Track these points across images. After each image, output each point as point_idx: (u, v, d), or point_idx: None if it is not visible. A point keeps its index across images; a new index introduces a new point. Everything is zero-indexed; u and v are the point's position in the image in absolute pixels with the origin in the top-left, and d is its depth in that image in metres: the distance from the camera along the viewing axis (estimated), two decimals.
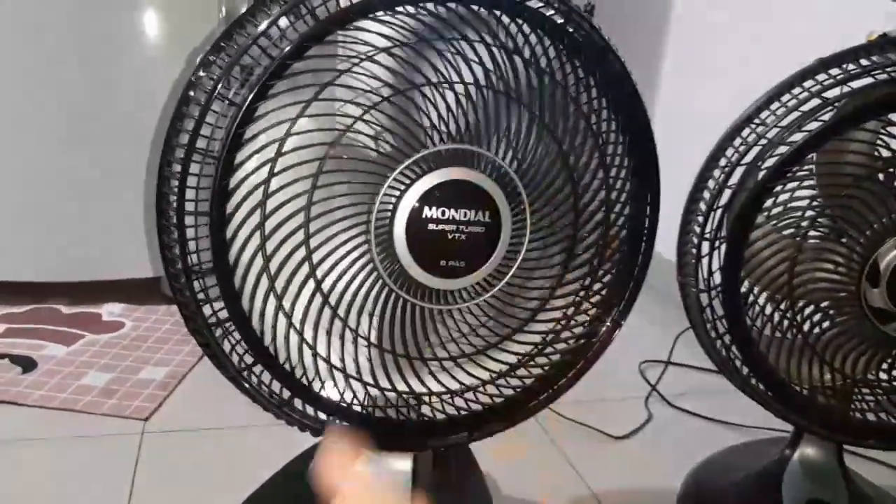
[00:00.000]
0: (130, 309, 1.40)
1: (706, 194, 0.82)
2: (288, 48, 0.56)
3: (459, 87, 0.58)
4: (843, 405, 0.83)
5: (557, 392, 0.76)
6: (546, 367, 0.72)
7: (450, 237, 0.61)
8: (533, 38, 0.60)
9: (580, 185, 0.63)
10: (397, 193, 0.59)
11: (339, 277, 0.61)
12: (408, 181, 0.59)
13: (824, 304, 0.78)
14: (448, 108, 0.58)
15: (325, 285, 0.61)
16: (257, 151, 0.58)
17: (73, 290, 1.43)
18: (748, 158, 0.77)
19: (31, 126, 1.30)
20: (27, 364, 1.17)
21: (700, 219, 0.81)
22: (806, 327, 0.78)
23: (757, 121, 0.79)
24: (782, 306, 0.77)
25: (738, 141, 0.80)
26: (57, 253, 1.37)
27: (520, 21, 0.59)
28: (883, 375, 0.81)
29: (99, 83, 1.31)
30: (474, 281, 0.63)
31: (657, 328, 1.50)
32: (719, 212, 0.79)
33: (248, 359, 0.67)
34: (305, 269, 0.61)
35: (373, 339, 0.64)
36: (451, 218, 0.61)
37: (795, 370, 0.79)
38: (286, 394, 0.69)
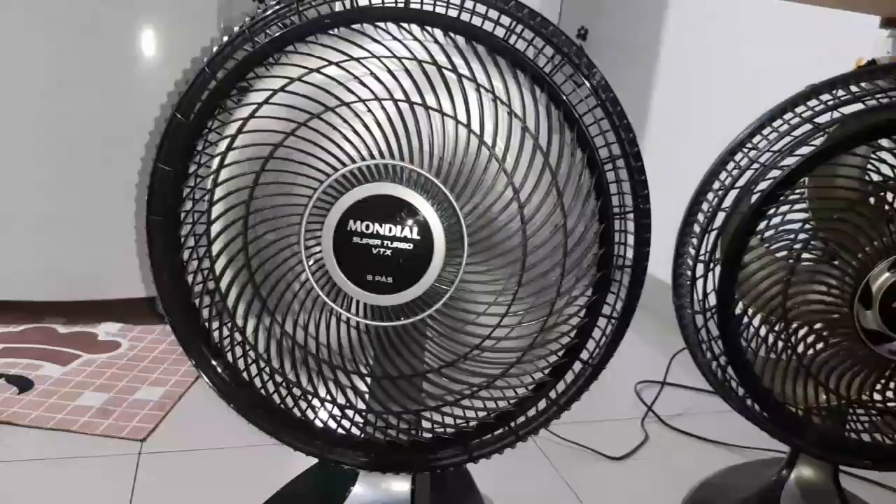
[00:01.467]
0: (126, 329, 1.40)
1: (700, 217, 0.84)
2: (229, 70, 0.62)
3: (388, 105, 0.59)
4: (839, 426, 0.84)
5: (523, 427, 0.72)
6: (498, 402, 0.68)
7: (374, 252, 0.61)
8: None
9: (526, 207, 0.60)
10: (326, 207, 0.61)
11: (276, 287, 0.64)
12: (336, 195, 0.61)
13: (818, 325, 0.79)
14: (378, 124, 0.59)
15: (271, 302, 0.64)
16: (213, 173, 0.64)
17: (69, 310, 1.43)
18: (741, 182, 0.78)
19: (27, 145, 1.31)
20: (23, 384, 1.17)
21: (694, 241, 0.83)
22: (800, 349, 0.79)
23: (749, 145, 0.80)
24: (776, 328, 0.78)
25: (731, 165, 0.82)
26: (53, 272, 1.37)
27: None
28: (877, 396, 0.81)
29: (95, 102, 1.31)
30: (408, 299, 0.62)
31: (653, 349, 1.51)
32: (713, 234, 0.80)
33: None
34: (249, 291, 0.65)
35: (324, 354, 0.66)
36: (374, 232, 0.61)
37: (791, 391, 0.80)
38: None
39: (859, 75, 0.76)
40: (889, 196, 0.73)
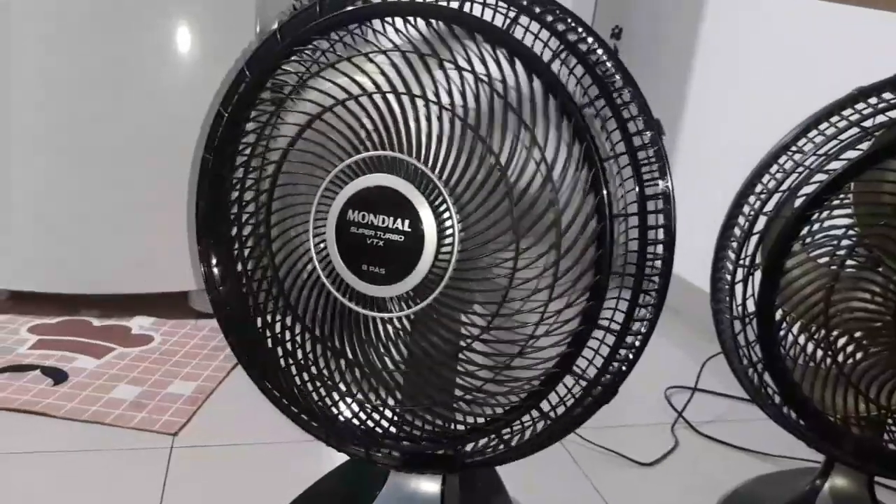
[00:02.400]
0: (159, 323, 1.42)
1: (741, 220, 0.83)
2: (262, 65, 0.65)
3: (389, 97, 0.59)
4: (877, 436, 0.82)
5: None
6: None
7: (369, 242, 0.62)
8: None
9: (519, 201, 0.58)
10: (332, 196, 0.62)
11: (290, 275, 0.67)
12: (341, 184, 0.62)
13: (858, 333, 0.78)
14: (381, 117, 0.60)
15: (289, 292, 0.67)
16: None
17: (103, 303, 1.45)
18: (785, 186, 0.77)
19: (67, 141, 1.33)
20: (58, 376, 1.19)
21: (735, 245, 0.82)
22: (840, 357, 0.77)
23: (794, 148, 0.79)
24: (816, 335, 0.77)
25: (774, 168, 0.81)
26: (88, 265, 1.39)
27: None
28: None
29: (132, 99, 1.33)
30: (401, 291, 0.62)
31: (683, 354, 1.49)
32: (755, 238, 0.79)
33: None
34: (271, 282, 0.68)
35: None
36: (370, 223, 0.62)
37: (830, 399, 0.79)
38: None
39: None
40: None
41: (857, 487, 0.89)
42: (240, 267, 0.70)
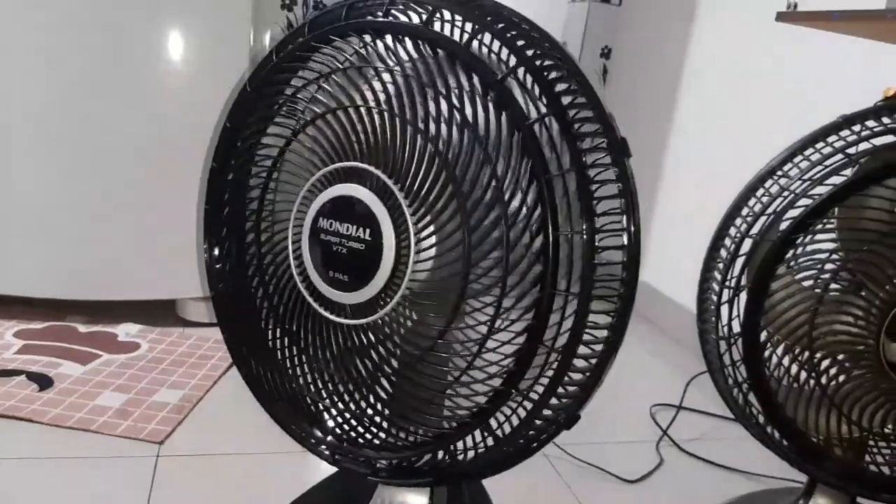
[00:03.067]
0: (146, 330, 1.42)
1: (728, 242, 0.84)
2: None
3: (360, 110, 0.62)
4: (859, 457, 0.84)
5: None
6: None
7: (334, 249, 0.64)
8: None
9: (474, 216, 0.58)
10: (308, 203, 0.66)
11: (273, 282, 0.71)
12: (316, 192, 0.65)
13: (841, 356, 0.79)
14: (353, 129, 0.62)
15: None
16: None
17: (90, 309, 1.44)
18: (771, 209, 0.78)
19: (56, 144, 1.33)
20: (43, 382, 1.18)
21: (721, 266, 0.83)
22: (824, 379, 0.79)
23: (780, 172, 0.81)
24: (800, 357, 0.78)
25: (760, 191, 0.82)
26: (75, 271, 1.39)
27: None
28: None
29: (123, 104, 1.33)
30: (360, 300, 0.63)
31: (669, 372, 1.51)
32: (741, 260, 0.81)
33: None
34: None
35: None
36: (335, 230, 0.64)
37: (812, 420, 0.80)
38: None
39: (892, 108, 0.77)
40: None
41: None
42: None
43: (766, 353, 0.79)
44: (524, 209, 0.58)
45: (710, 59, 1.74)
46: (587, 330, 0.60)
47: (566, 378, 0.62)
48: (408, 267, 0.61)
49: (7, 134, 1.31)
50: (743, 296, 0.80)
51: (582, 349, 0.61)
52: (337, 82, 0.64)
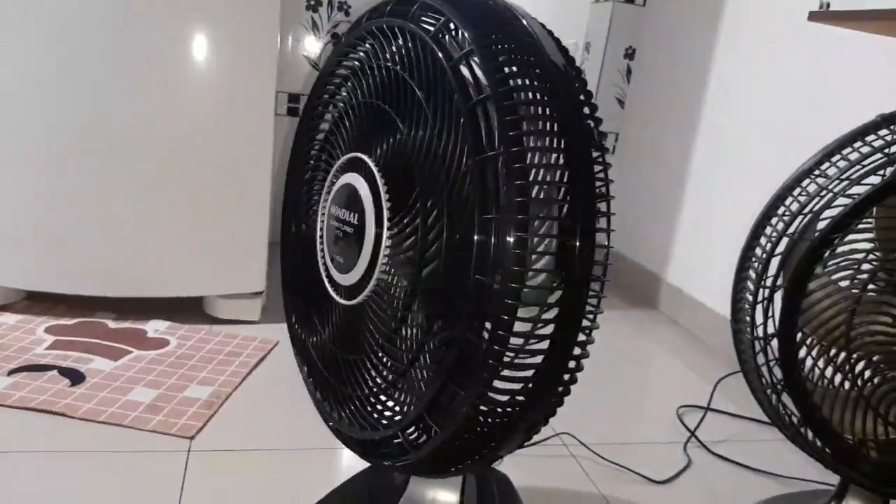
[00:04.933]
0: (175, 327, 1.43)
1: (763, 241, 0.84)
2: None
3: (363, 102, 0.67)
4: (894, 459, 0.83)
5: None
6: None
7: (336, 232, 0.68)
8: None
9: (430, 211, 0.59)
10: (331, 189, 0.71)
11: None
12: (335, 181, 0.70)
13: (877, 357, 0.78)
14: (346, 121, 0.68)
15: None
16: None
17: (120, 306, 1.46)
18: (808, 208, 0.78)
19: (84, 143, 1.34)
20: (75, 377, 1.20)
21: (757, 265, 0.82)
22: (860, 380, 0.78)
23: (817, 172, 0.80)
24: (836, 358, 0.78)
25: (797, 190, 0.82)
26: (104, 268, 1.40)
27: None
28: None
29: (152, 106, 1.35)
30: (349, 282, 0.67)
31: (695, 374, 1.50)
32: (776, 260, 0.80)
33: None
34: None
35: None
36: (338, 216, 0.68)
37: (848, 421, 0.79)
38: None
39: None
40: None
41: None
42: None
43: (802, 354, 0.78)
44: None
45: (737, 59, 1.73)
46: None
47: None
48: (378, 257, 0.63)
49: (38, 137, 1.33)
50: (778, 296, 0.80)
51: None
52: (356, 75, 0.67)
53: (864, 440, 0.81)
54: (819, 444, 0.82)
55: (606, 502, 1.05)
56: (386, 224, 0.63)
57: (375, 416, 0.70)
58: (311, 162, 0.78)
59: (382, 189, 0.63)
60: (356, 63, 0.74)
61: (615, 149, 2.23)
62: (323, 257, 0.72)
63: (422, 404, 0.64)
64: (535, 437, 1.14)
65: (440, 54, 0.61)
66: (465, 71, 0.61)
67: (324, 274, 0.72)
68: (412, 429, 0.67)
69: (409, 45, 0.64)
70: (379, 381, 0.68)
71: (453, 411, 0.62)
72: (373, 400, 0.70)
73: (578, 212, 0.62)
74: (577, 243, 0.61)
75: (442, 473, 0.76)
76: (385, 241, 0.63)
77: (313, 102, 0.78)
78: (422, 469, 0.73)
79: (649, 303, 1.96)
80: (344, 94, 0.76)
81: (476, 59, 0.61)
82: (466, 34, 0.61)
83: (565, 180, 0.62)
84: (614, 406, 1.36)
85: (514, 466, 1.08)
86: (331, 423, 0.75)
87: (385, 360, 0.67)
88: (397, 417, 0.68)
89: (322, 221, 0.73)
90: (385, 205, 0.63)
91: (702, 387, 1.41)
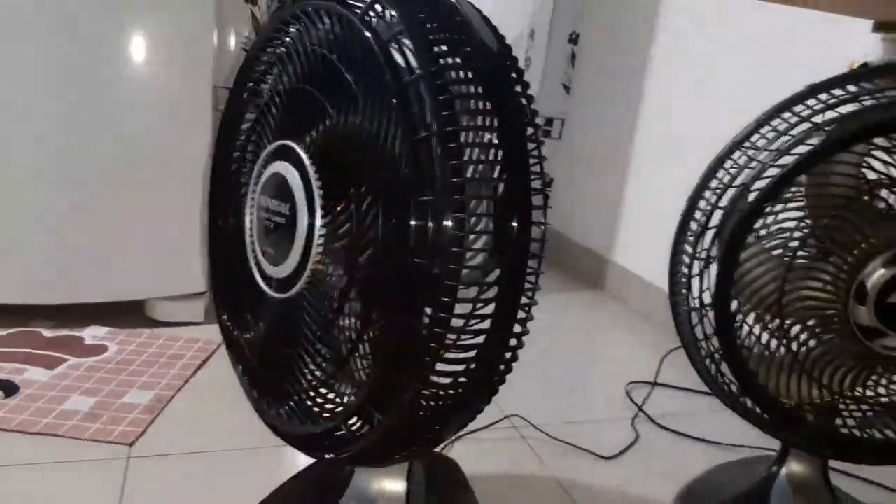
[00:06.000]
0: (114, 332, 1.38)
1: (698, 215, 0.85)
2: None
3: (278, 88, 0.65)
4: (830, 421, 0.85)
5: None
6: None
7: (266, 224, 0.66)
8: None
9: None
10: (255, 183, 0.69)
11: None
12: (263, 171, 0.67)
13: (811, 322, 0.80)
14: (273, 108, 0.66)
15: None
16: None
17: (57, 314, 1.40)
18: (739, 181, 0.79)
19: (18, 149, 1.29)
20: (9, 388, 1.15)
21: (692, 239, 0.83)
22: (794, 345, 0.80)
23: (747, 144, 0.81)
24: (771, 324, 0.79)
25: (729, 164, 0.83)
26: (39, 275, 1.35)
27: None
28: (869, 392, 0.83)
29: (87, 107, 1.30)
30: (281, 274, 0.65)
31: (643, 350, 1.52)
32: (710, 233, 0.81)
33: None
34: None
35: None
36: (268, 207, 0.66)
37: (784, 387, 0.81)
38: None
39: (857, 76, 0.78)
40: (884, 193, 0.74)
41: (812, 472, 0.91)
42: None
43: (738, 323, 0.80)
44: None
45: (677, 37, 1.75)
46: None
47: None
48: (312, 248, 0.61)
49: None
50: (714, 268, 0.81)
51: None
52: (282, 60, 0.65)
53: (801, 404, 0.83)
54: (758, 410, 0.84)
55: (556, 481, 1.05)
56: (319, 213, 0.61)
57: (316, 409, 0.69)
58: (238, 153, 0.75)
59: (313, 177, 0.61)
60: (282, 49, 0.72)
61: (562, 134, 2.23)
62: (253, 250, 0.70)
63: (363, 393, 0.63)
64: (485, 421, 1.14)
65: (368, 35, 0.59)
66: (395, 52, 0.60)
67: (255, 268, 0.70)
68: (354, 419, 0.66)
69: (337, 27, 0.63)
70: (318, 373, 0.66)
71: (397, 398, 0.62)
72: (312, 393, 0.68)
73: (515, 190, 0.62)
74: (515, 222, 0.61)
75: (387, 462, 0.75)
76: (318, 231, 0.61)
77: (238, 90, 0.75)
78: (366, 459, 0.72)
79: (597, 284, 1.98)
80: (270, 80, 0.74)
81: (406, 39, 0.60)
82: (395, 14, 0.60)
83: (500, 159, 0.62)
84: (564, 386, 1.37)
85: (465, 451, 1.07)
86: (269, 421, 0.73)
87: (323, 351, 0.65)
88: (338, 409, 0.67)
89: (251, 213, 0.70)
90: (317, 193, 0.61)
91: (650, 363, 1.43)
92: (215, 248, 0.81)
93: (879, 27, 1.16)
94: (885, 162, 0.75)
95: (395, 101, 0.57)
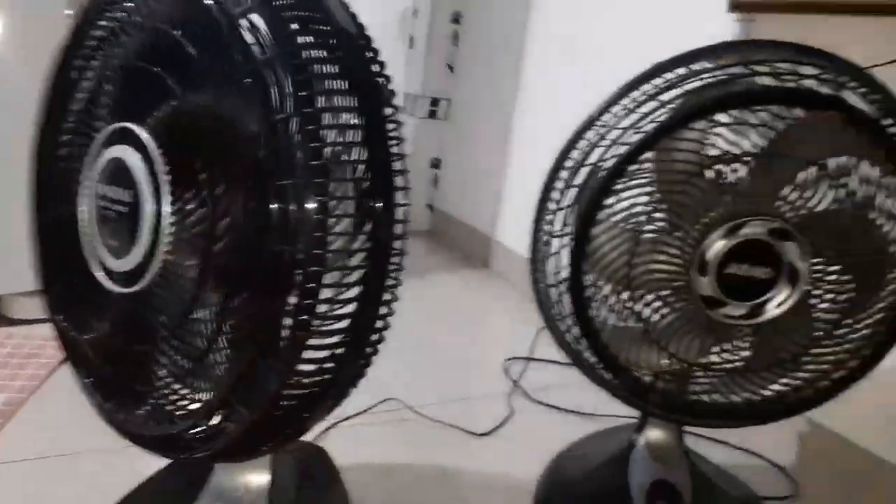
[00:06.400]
0: None
1: (555, 194, 0.86)
2: None
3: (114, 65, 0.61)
4: (682, 388, 0.89)
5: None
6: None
7: (105, 213, 0.62)
8: None
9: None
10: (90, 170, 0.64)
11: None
12: (98, 156, 0.62)
13: (660, 294, 0.83)
14: (107, 87, 0.62)
15: None
16: None
17: None
18: (591, 159, 0.81)
19: None
20: None
21: (549, 218, 0.85)
22: (644, 317, 0.82)
23: (600, 123, 0.83)
24: (623, 297, 0.81)
25: (582, 142, 0.84)
26: None
27: None
28: (715, 359, 0.87)
29: None
30: (130, 265, 0.61)
31: (524, 327, 1.55)
32: (565, 210, 0.83)
33: None
34: None
35: None
36: (106, 195, 0.61)
37: (636, 357, 0.84)
38: None
39: (701, 53, 0.80)
40: (724, 168, 0.77)
41: (668, 437, 0.96)
42: None
43: (592, 297, 0.82)
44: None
45: (554, 19, 1.78)
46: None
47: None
48: (159, 239, 0.58)
49: None
50: (569, 244, 0.82)
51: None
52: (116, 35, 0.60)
53: (655, 374, 0.86)
54: (615, 380, 0.87)
55: (429, 462, 1.06)
56: (169, 199, 0.57)
57: (172, 408, 0.65)
58: (68, 136, 0.70)
59: (161, 160, 0.58)
60: (115, 23, 0.67)
61: (447, 115, 2.24)
62: (91, 242, 0.65)
63: (224, 388, 0.60)
64: (362, 406, 1.14)
65: (215, 9, 0.56)
66: (245, 29, 0.57)
67: (93, 261, 0.65)
68: (216, 415, 0.63)
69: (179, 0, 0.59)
70: (174, 370, 0.63)
71: (261, 390, 0.59)
72: (167, 392, 0.65)
73: (377, 171, 0.60)
74: (378, 203, 0.60)
75: (251, 455, 0.73)
76: (167, 219, 0.57)
77: (63, 69, 0.70)
78: (229, 455, 0.69)
79: (482, 262, 2.00)
80: (103, 57, 0.69)
81: (258, 15, 0.57)
82: None
83: (360, 140, 0.61)
84: (443, 366, 1.37)
85: (340, 438, 1.06)
86: (118, 425, 0.69)
87: (179, 346, 0.62)
88: (198, 406, 0.64)
89: (86, 202, 0.65)
90: (164, 178, 0.57)
91: (529, 339, 1.46)
92: (43, 245, 0.74)
93: (734, 7, 1.22)
94: (725, 139, 0.78)
95: (249, 80, 0.54)
